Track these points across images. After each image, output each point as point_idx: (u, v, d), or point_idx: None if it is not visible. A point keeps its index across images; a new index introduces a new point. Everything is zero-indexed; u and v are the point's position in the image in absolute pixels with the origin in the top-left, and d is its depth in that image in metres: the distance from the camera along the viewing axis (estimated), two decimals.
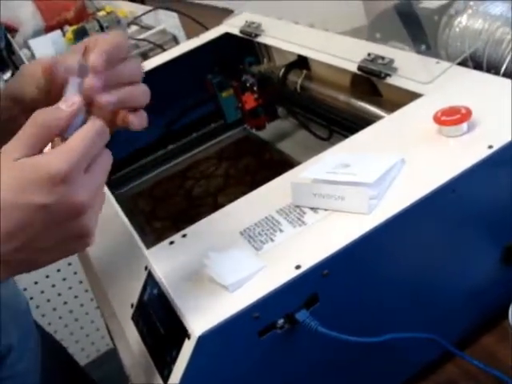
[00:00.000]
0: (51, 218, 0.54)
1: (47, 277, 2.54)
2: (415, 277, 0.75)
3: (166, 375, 0.67)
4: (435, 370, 0.82)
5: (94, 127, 0.57)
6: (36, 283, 2.52)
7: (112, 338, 0.95)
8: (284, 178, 0.82)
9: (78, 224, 0.56)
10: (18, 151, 0.54)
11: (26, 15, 2.55)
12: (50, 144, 0.58)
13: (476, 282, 0.81)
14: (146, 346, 0.74)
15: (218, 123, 1.57)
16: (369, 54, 1.02)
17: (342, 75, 1.20)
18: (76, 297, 2.58)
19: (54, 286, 2.57)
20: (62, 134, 0.57)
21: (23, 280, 2.45)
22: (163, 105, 1.49)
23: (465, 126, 0.77)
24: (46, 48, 2.31)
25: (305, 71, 1.33)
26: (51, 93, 0.68)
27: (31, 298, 2.50)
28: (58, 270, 2.54)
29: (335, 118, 1.24)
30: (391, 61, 0.98)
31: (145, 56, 2.23)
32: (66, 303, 2.59)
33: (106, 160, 0.58)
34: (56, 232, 0.55)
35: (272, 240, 0.71)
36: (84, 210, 0.55)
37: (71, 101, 0.58)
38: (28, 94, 0.71)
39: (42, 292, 2.55)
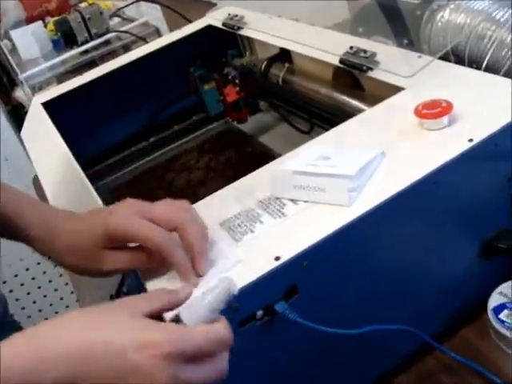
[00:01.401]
0: (126, 374, 0.53)
1: (27, 270, 2.52)
2: (395, 269, 0.75)
3: None
4: (415, 363, 0.82)
5: (221, 332, 0.57)
6: (16, 276, 2.50)
7: None
8: (264, 170, 0.81)
9: None
10: (144, 308, 0.57)
11: (7, 5, 2.53)
12: None
13: (455, 276, 0.81)
14: None
15: (200, 116, 1.57)
16: (351, 48, 1.02)
17: (324, 69, 1.20)
18: (56, 290, 2.57)
19: (34, 278, 2.55)
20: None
21: (3, 274, 2.43)
22: (145, 97, 1.48)
23: (445, 119, 0.77)
24: (27, 39, 2.30)
25: (287, 64, 1.33)
26: None
27: (11, 291, 2.48)
28: (38, 263, 2.53)
29: (317, 112, 1.24)
30: (373, 54, 0.98)
31: (127, 48, 2.23)
32: (45, 296, 2.57)
33: (209, 370, 0.56)
34: None
35: (252, 231, 0.70)
36: None
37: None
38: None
39: (22, 285, 2.54)
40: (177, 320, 0.57)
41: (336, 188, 0.69)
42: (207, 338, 0.55)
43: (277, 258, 0.65)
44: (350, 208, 0.69)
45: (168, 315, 0.59)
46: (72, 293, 2.54)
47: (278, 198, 0.74)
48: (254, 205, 0.74)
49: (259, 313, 0.65)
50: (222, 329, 0.57)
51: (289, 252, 0.65)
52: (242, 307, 0.64)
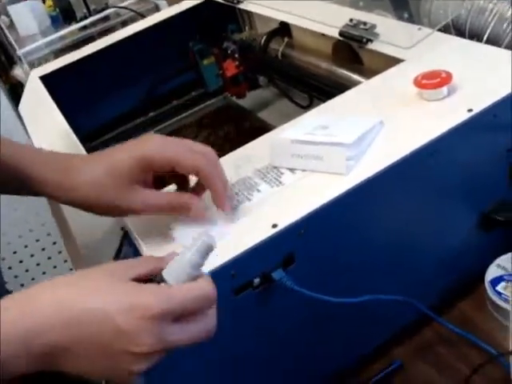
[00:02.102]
0: (115, 341, 0.53)
1: (20, 237, 2.51)
2: (392, 239, 0.75)
3: None
4: (412, 334, 0.82)
5: (205, 289, 0.56)
6: (9, 244, 2.49)
7: None
8: (262, 140, 0.81)
9: (131, 361, 0.54)
10: (130, 273, 0.56)
11: None
12: None
13: (453, 247, 0.81)
14: None
15: (199, 91, 1.56)
16: (351, 20, 1.01)
17: (323, 43, 1.19)
18: (49, 258, 2.56)
19: (26, 246, 2.54)
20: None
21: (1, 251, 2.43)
22: (144, 72, 1.48)
23: (445, 89, 0.77)
24: (25, 15, 2.28)
25: (286, 39, 1.32)
26: None
27: (3, 259, 2.47)
28: (31, 231, 2.51)
29: (316, 85, 1.23)
30: (373, 26, 0.97)
31: (126, 24, 2.21)
32: (38, 265, 2.57)
33: (196, 330, 0.56)
34: (109, 354, 0.54)
35: (249, 199, 0.70)
36: (145, 353, 0.53)
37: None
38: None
39: (15, 253, 2.53)
40: (159, 281, 0.56)
41: (333, 156, 0.69)
42: (192, 295, 0.55)
43: (274, 226, 0.65)
44: (347, 177, 0.69)
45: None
46: (65, 261, 2.54)
47: (275, 167, 0.74)
48: (251, 173, 0.74)
49: (256, 280, 0.65)
50: (206, 285, 0.56)
51: (286, 220, 0.65)
52: (238, 274, 0.64)
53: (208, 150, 0.69)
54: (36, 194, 0.73)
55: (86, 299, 0.53)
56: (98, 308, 0.52)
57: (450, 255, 0.81)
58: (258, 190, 0.71)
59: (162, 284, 0.56)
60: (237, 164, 0.76)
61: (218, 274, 0.62)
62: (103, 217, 0.72)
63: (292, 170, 0.72)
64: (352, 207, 0.69)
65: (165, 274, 0.57)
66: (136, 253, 0.71)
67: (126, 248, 0.74)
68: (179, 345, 0.55)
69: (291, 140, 0.73)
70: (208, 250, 0.56)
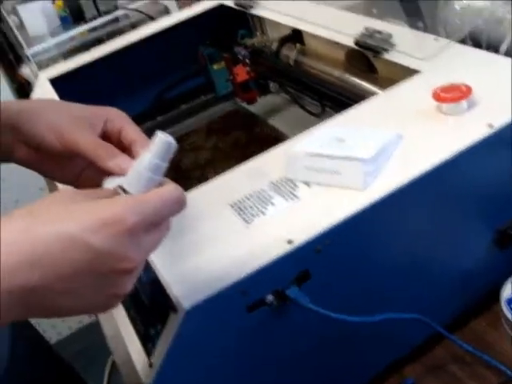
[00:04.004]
0: (98, 264, 0.50)
1: None
2: (408, 256, 0.74)
3: (149, 349, 0.66)
4: (424, 353, 0.80)
5: (175, 193, 0.54)
6: None
7: None
8: (276, 151, 0.79)
9: (118, 281, 0.52)
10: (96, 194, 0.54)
11: None
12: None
13: (468, 265, 0.80)
14: (130, 317, 0.73)
15: (209, 96, 1.55)
16: (366, 29, 1.00)
17: (336, 50, 1.18)
18: None
19: None
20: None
21: None
22: (153, 75, 1.47)
23: (464, 103, 0.75)
24: (35, 15, 2.27)
25: (299, 45, 1.31)
26: None
27: None
28: None
29: (328, 94, 1.22)
30: (389, 36, 0.96)
31: (135, 27, 2.20)
32: None
33: (166, 231, 0.55)
34: (94, 280, 0.50)
35: (263, 213, 0.69)
36: (132, 269, 0.51)
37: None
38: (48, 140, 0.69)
39: None
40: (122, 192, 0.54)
41: (351, 171, 0.68)
42: (163, 200, 0.53)
43: (289, 242, 0.63)
44: (365, 192, 0.67)
45: (108, 186, 0.56)
46: None
47: (290, 180, 0.72)
48: (265, 186, 0.72)
49: (269, 297, 0.64)
50: (174, 189, 0.54)
51: (302, 236, 0.63)
52: (251, 291, 0.62)
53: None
54: None
55: (48, 227, 0.49)
56: (65, 231, 0.48)
57: (465, 272, 0.80)
58: (272, 204, 0.69)
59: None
60: (250, 176, 0.75)
61: (230, 291, 0.61)
62: None
63: (307, 183, 0.71)
64: (370, 223, 0.67)
65: (126, 183, 0.54)
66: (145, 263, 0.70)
67: None
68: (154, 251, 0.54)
69: (307, 153, 0.71)
70: (168, 149, 0.54)
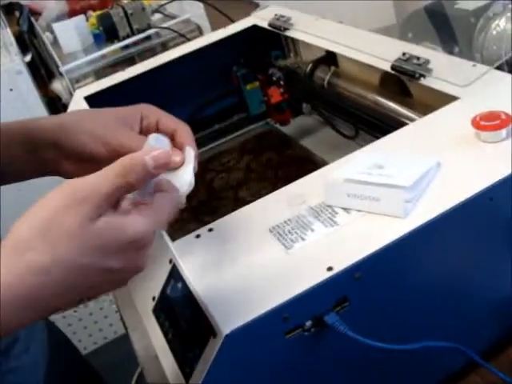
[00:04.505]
0: (111, 275, 0.54)
1: None
2: (446, 283, 0.73)
3: (187, 372, 0.66)
4: (459, 380, 0.80)
5: (176, 195, 0.60)
6: None
7: (126, 328, 0.94)
8: (315, 176, 0.80)
9: (127, 277, 0.57)
10: (103, 207, 0.54)
11: None
12: None
13: (505, 292, 0.79)
14: (167, 340, 0.73)
15: (241, 116, 1.55)
16: (403, 54, 1.00)
17: (371, 74, 1.18)
18: None
19: None
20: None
21: None
22: (187, 95, 1.47)
23: (504, 132, 0.75)
24: (68, 32, 2.30)
25: (333, 67, 1.31)
26: None
27: None
28: None
29: (362, 117, 1.22)
30: (426, 61, 0.96)
31: (165, 45, 2.22)
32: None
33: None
34: (107, 280, 0.55)
35: (303, 239, 0.69)
36: (142, 270, 0.57)
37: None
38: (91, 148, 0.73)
39: None
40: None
41: (391, 199, 0.68)
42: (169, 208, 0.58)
43: (329, 269, 0.63)
44: (405, 220, 0.67)
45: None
46: None
47: (329, 206, 0.72)
48: (304, 211, 0.73)
49: (308, 323, 0.64)
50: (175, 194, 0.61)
51: (341, 263, 0.64)
52: (290, 317, 0.62)
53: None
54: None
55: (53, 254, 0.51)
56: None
57: (502, 300, 0.79)
58: (312, 230, 0.70)
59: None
60: (289, 200, 0.75)
61: (269, 317, 0.61)
62: None
63: (347, 209, 0.71)
64: (409, 251, 0.67)
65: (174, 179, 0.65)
66: (184, 287, 0.70)
67: (174, 281, 0.73)
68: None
69: (346, 179, 0.72)
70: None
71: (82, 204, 0.52)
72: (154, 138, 0.66)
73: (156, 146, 0.63)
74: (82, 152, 0.72)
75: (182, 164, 0.70)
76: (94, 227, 0.52)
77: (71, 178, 0.71)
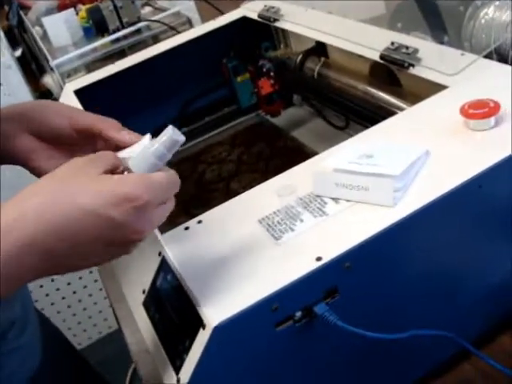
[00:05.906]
0: (112, 235, 0.56)
1: None
2: (435, 272, 0.73)
3: (177, 365, 0.65)
4: (451, 369, 0.80)
5: (176, 176, 0.61)
6: None
7: (118, 322, 0.94)
8: (304, 167, 0.79)
9: (125, 249, 0.59)
10: (102, 166, 0.59)
11: None
12: None
13: (496, 281, 0.79)
14: (157, 333, 0.73)
15: (232, 108, 1.55)
16: (392, 43, 1.00)
17: (360, 64, 1.18)
18: (80, 278, 2.57)
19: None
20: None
21: None
22: (177, 87, 1.47)
23: (492, 120, 0.75)
24: (58, 26, 2.29)
25: (323, 58, 1.31)
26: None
27: None
28: None
29: (353, 107, 1.22)
30: (415, 50, 0.96)
31: (157, 38, 2.21)
32: (69, 284, 2.57)
33: (171, 207, 0.62)
34: (106, 248, 0.57)
35: (292, 230, 0.69)
36: (140, 239, 0.58)
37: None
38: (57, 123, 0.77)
39: None
40: (123, 171, 0.61)
41: (380, 188, 0.68)
42: (170, 182, 0.60)
43: (318, 259, 0.63)
44: (394, 209, 0.67)
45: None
46: (96, 281, 2.54)
47: (318, 196, 0.72)
48: (293, 202, 0.72)
49: (298, 314, 0.64)
50: (174, 172, 0.61)
51: (331, 252, 0.63)
52: (280, 308, 0.62)
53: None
54: None
55: (72, 200, 0.55)
56: (89, 206, 0.55)
57: (494, 288, 0.79)
58: (301, 220, 0.69)
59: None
60: (278, 191, 0.75)
61: (258, 308, 0.61)
62: None
63: (336, 199, 0.71)
64: (399, 240, 0.67)
65: (131, 163, 0.61)
66: (174, 280, 0.70)
67: (164, 274, 0.73)
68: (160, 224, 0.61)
69: (335, 169, 0.71)
70: (175, 143, 0.61)
71: (95, 161, 0.59)
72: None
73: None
74: (48, 126, 0.76)
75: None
76: (109, 177, 0.58)
77: (25, 154, 0.77)
